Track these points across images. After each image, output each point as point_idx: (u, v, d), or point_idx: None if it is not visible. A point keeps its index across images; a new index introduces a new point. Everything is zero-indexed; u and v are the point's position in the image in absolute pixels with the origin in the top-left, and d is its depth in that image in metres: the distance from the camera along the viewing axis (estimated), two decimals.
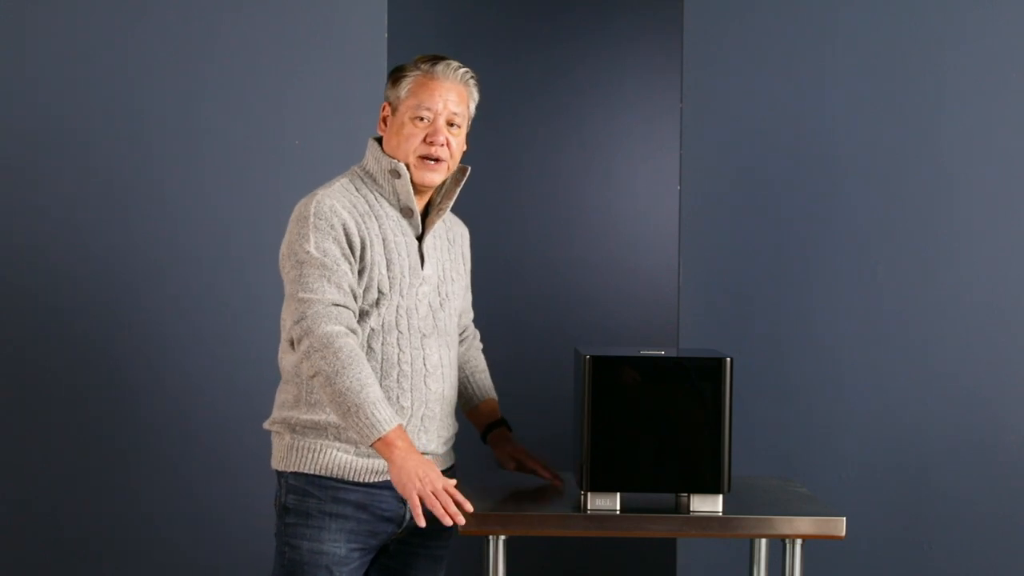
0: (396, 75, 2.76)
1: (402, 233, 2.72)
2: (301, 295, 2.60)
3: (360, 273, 2.67)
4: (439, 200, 2.81)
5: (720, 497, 2.76)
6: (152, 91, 3.61)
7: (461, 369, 2.99)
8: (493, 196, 4.60)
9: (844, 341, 3.68)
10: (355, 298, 2.65)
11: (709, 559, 3.67)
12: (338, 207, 2.66)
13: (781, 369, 3.69)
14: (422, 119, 2.70)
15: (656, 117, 4.57)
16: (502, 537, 2.73)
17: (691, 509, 2.76)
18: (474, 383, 3.01)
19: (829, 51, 3.68)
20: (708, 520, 2.74)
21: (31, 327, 3.61)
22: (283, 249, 2.70)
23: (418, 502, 2.52)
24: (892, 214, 3.68)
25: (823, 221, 3.69)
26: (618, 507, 2.75)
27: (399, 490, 2.54)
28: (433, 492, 2.52)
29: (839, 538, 2.77)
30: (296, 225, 2.66)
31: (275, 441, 2.76)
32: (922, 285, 3.67)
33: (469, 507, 2.57)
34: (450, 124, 2.73)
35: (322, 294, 2.60)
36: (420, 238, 2.76)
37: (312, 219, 2.64)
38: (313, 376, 2.59)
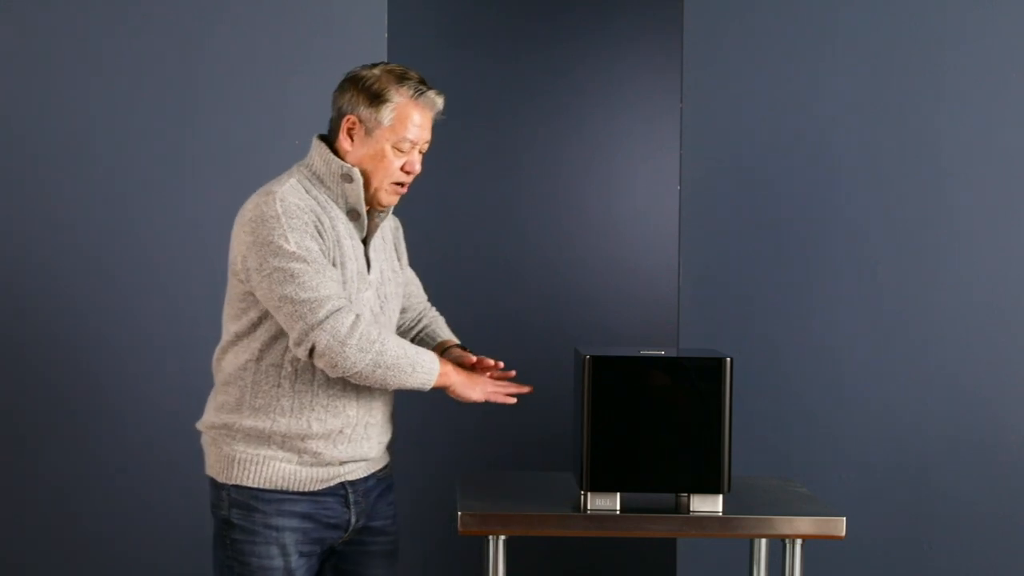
0: (375, 97, 2.66)
1: (350, 237, 2.69)
2: (302, 295, 2.55)
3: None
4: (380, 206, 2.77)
5: (720, 497, 2.76)
6: (151, 91, 3.61)
7: (422, 330, 2.98)
8: (493, 196, 4.59)
9: (844, 341, 3.68)
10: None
11: (709, 559, 3.67)
12: (302, 205, 2.62)
13: (781, 369, 3.69)
14: (403, 151, 2.69)
15: (656, 117, 4.57)
16: (502, 537, 2.73)
17: (691, 509, 2.76)
18: (437, 334, 2.97)
19: (829, 51, 3.68)
20: (708, 520, 2.74)
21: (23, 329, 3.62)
22: (246, 249, 2.60)
23: (486, 400, 2.74)
24: (892, 214, 3.68)
25: (823, 221, 3.69)
26: (618, 507, 2.75)
27: (466, 401, 2.73)
28: (493, 392, 2.75)
29: (839, 538, 2.77)
30: (264, 225, 2.58)
31: (211, 448, 2.70)
32: (922, 285, 3.67)
33: (526, 388, 2.80)
34: (421, 151, 2.73)
35: (326, 291, 2.57)
36: (365, 241, 2.73)
37: (283, 217, 2.58)
38: (354, 373, 2.57)
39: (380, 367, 2.58)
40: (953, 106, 3.66)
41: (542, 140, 4.61)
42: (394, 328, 2.84)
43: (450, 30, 4.58)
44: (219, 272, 2.97)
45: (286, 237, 2.57)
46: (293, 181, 2.66)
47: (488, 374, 2.81)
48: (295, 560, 2.66)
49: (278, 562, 2.65)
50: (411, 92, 2.68)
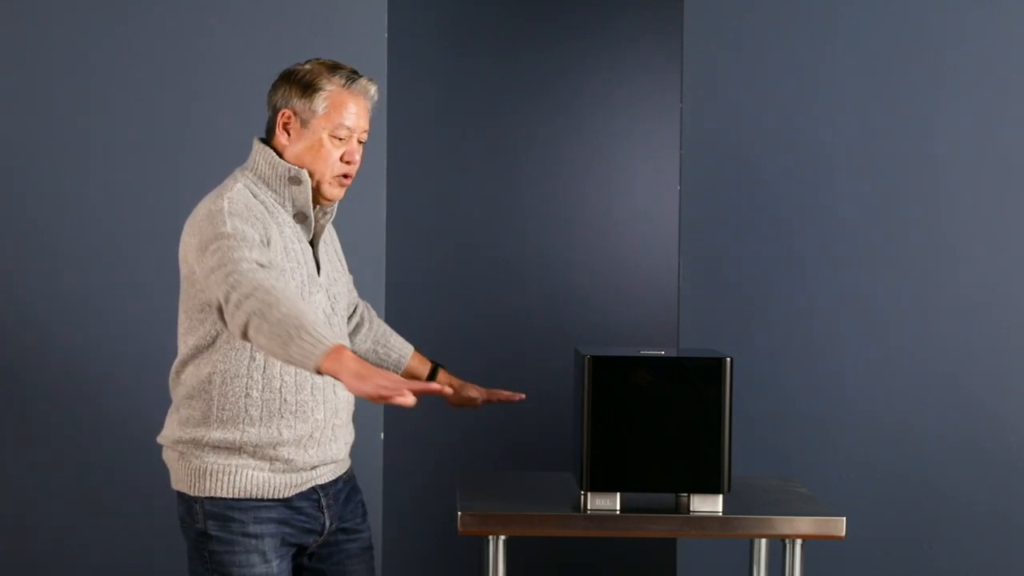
0: (307, 87, 2.65)
1: (299, 240, 2.67)
2: (224, 268, 2.47)
3: None
4: (326, 204, 2.74)
5: (720, 497, 2.76)
6: (150, 92, 3.61)
7: (375, 342, 2.99)
8: (493, 195, 4.60)
9: (844, 341, 3.69)
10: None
11: (709, 559, 3.67)
12: (251, 205, 2.60)
13: (781, 369, 3.69)
14: (340, 138, 2.66)
15: (656, 117, 4.57)
16: (502, 537, 2.73)
17: (691, 509, 2.76)
18: (390, 347, 3.00)
19: (829, 51, 3.68)
20: (708, 520, 2.74)
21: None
22: (195, 250, 2.57)
23: (380, 399, 2.35)
24: (892, 214, 3.68)
25: (823, 221, 3.69)
26: (618, 507, 2.75)
27: (357, 394, 2.37)
28: (385, 387, 2.33)
29: (839, 538, 2.77)
30: (210, 221, 2.55)
31: (178, 462, 2.66)
32: (922, 285, 3.67)
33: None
34: (360, 141, 2.70)
35: (247, 254, 2.49)
36: (312, 243, 2.71)
37: (227, 209, 2.55)
38: (245, 325, 2.40)
39: (265, 321, 2.37)
40: (953, 106, 3.67)
41: (542, 140, 4.61)
42: (346, 328, 2.81)
43: (450, 30, 4.59)
44: None
45: (225, 223, 2.53)
46: (239, 186, 2.64)
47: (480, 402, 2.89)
48: (276, 565, 2.65)
49: (260, 569, 2.63)
50: (343, 80, 2.67)
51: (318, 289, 2.68)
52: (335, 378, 2.35)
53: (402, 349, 3.04)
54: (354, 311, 3.01)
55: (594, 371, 2.74)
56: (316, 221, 2.71)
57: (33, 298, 3.60)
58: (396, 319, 3.50)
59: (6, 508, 3.60)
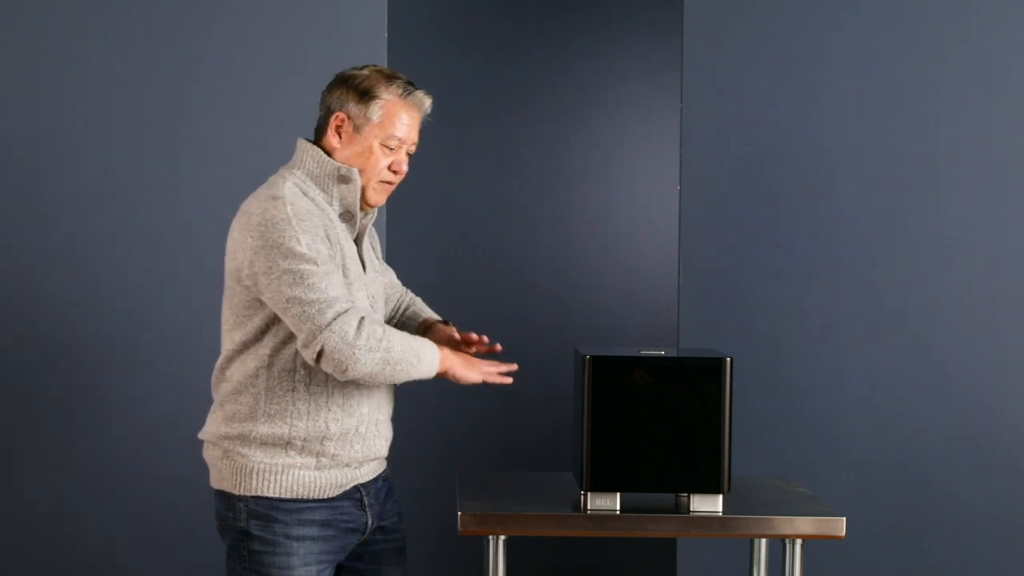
0: (364, 93, 2.68)
1: (347, 239, 2.70)
2: (311, 296, 2.54)
3: None
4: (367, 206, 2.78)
5: (720, 497, 2.76)
6: (150, 92, 3.61)
7: (404, 311, 2.99)
8: (493, 195, 4.60)
9: (844, 341, 3.69)
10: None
11: (709, 559, 3.67)
12: (311, 208, 2.62)
13: (781, 369, 3.69)
14: (391, 147, 2.70)
15: (656, 117, 4.57)
16: (502, 537, 2.73)
17: (691, 509, 2.76)
18: (416, 309, 3.00)
19: (829, 51, 3.68)
20: (708, 520, 2.75)
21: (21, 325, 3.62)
22: (253, 254, 2.58)
23: (482, 380, 2.74)
24: (892, 214, 3.68)
25: (823, 221, 3.69)
26: (618, 507, 2.75)
27: (465, 383, 2.72)
28: (488, 372, 2.74)
29: (839, 538, 2.77)
30: (274, 228, 2.56)
31: (222, 460, 2.67)
32: (922, 285, 3.67)
33: (514, 366, 2.78)
34: (408, 153, 2.74)
35: (334, 292, 2.56)
36: (357, 241, 2.74)
37: (294, 220, 2.57)
38: (364, 374, 2.56)
39: (389, 364, 2.58)
40: (953, 105, 3.67)
41: (542, 140, 4.61)
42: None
43: (450, 30, 4.59)
44: (216, 273, 2.98)
45: (297, 239, 2.56)
46: (289, 184, 2.65)
47: (473, 349, 2.83)
48: (316, 570, 2.66)
49: (299, 572, 2.64)
50: (400, 91, 2.70)
51: (362, 287, 2.70)
52: (450, 375, 2.69)
53: (429, 314, 3.01)
54: (396, 300, 3.02)
55: (594, 371, 2.74)
56: (359, 221, 2.73)
57: (33, 297, 3.60)
58: None
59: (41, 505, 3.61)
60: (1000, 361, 3.66)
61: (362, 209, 2.73)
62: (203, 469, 2.74)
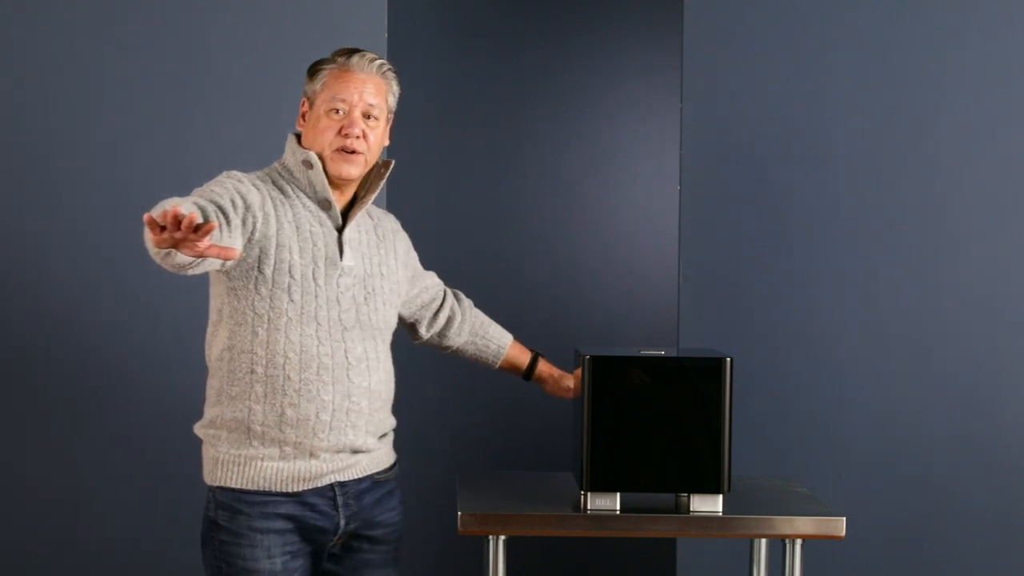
0: (313, 69, 2.74)
1: (319, 224, 2.69)
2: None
3: (250, 240, 2.60)
4: (363, 194, 2.77)
5: (720, 497, 2.76)
6: (149, 92, 3.61)
7: (472, 334, 3.03)
8: (493, 195, 4.60)
9: (844, 341, 3.69)
10: (215, 215, 2.48)
11: (709, 559, 3.67)
12: (245, 179, 2.65)
13: (781, 369, 3.69)
14: (337, 111, 2.68)
15: (656, 117, 4.57)
16: (502, 537, 2.73)
17: (691, 509, 2.76)
18: (488, 338, 3.05)
19: (829, 51, 3.68)
20: (708, 520, 2.75)
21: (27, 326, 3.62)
22: None
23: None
24: (892, 214, 3.68)
25: (823, 221, 3.69)
26: (618, 507, 2.75)
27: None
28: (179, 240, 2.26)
29: (839, 538, 2.77)
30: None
31: (203, 450, 2.73)
32: (922, 285, 3.67)
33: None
34: (367, 116, 2.70)
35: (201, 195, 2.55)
36: (340, 230, 2.72)
37: (216, 179, 2.63)
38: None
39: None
40: (954, 105, 3.67)
41: (542, 140, 4.61)
42: (385, 324, 2.80)
43: (450, 30, 4.58)
44: None
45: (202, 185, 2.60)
46: (260, 173, 2.73)
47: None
48: (281, 562, 2.65)
49: (264, 564, 2.64)
50: (343, 59, 2.72)
51: (340, 273, 2.69)
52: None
53: (501, 339, 3.07)
54: (441, 306, 3.03)
55: (594, 371, 2.74)
56: (353, 208, 2.74)
57: (33, 296, 3.60)
58: None
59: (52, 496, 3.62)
60: (1000, 361, 3.66)
61: (335, 186, 2.71)
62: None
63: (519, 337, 3.13)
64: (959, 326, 3.66)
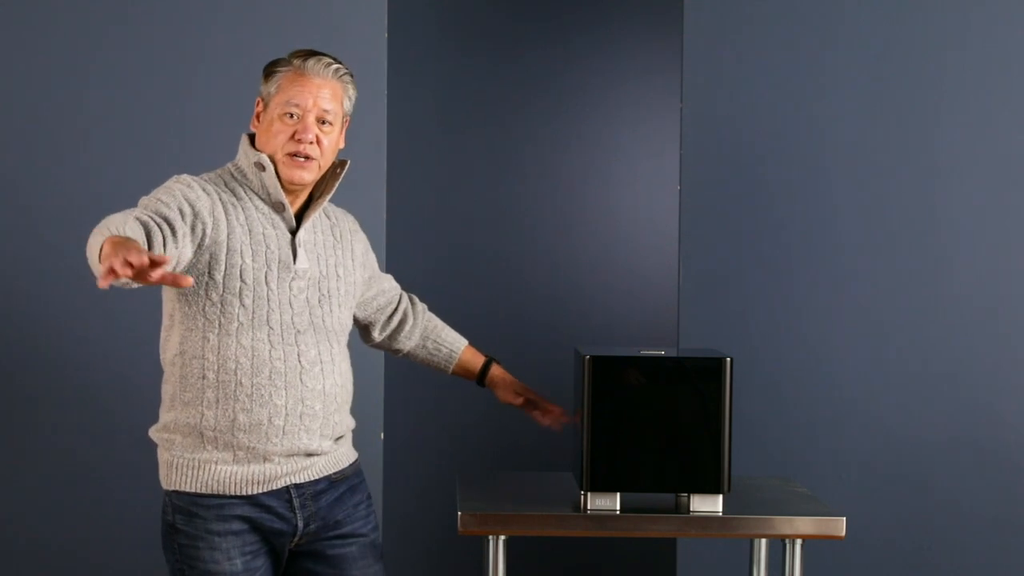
0: (268, 70, 2.70)
1: (272, 226, 2.66)
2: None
3: (200, 246, 2.57)
4: (318, 195, 2.74)
5: (720, 497, 2.76)
6: (148, 92, 3.61)
7: (424, 338, 3.01)
8: (493, 196, 4.60)
9: (844, 341, 3.69)
10: (161, 228, 2.46)
11: (709, 559, 3.67)
12: (195, 184, 2.62)
13: (781, 369, 3.69)
14: (291, 116, 2.65)
15: (656, 117, 4.57)
16: (502, 537, 2.73)
17: (691, 509, 2.76)
18: (440, 342, 3.02)
19: (829, 52, 3.68)
20: (708, 520, 2.75)
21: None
22: None
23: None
24: (892, 214, 3.68)
25: (823, 221, 3.69)
26: (618, 507, 2.75)
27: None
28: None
29: (839, 538, 2.77)
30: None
31: (158, 453, 2.71)
32: (921, 285, 3.67)
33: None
34: (321, 121, 2.67)
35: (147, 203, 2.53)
36: (294, 232, 2.69)
37: (165, 184, 2.60)
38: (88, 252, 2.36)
39: (88, 250, 2.35)
40: (953, 106, 3.67)
41: (542, 140, 4.61)
42: (340, 327, 2.76)
43: (450, 30, 4.59)
44: None
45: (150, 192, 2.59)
46: (212, 175, 2.70)
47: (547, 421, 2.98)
48: (242, 563, 2.64)
49: (225, 567, 2.63)
50: (298, 61, 2.68)
51: (293, 276, 2.66)
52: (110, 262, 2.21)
53: (453, 344, 3.05)
54: (395, 309, 3.01)
55: (594, 371, 2.74)
56: (307, 210, 2.71)
57: (31, 296, 3.60)
58: None
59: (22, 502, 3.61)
60: (1000, 361, 3.66)
61: (287, 190, 2.68)
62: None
63: (484, 342, 3.10)
64: (959, 326, 3.66)
